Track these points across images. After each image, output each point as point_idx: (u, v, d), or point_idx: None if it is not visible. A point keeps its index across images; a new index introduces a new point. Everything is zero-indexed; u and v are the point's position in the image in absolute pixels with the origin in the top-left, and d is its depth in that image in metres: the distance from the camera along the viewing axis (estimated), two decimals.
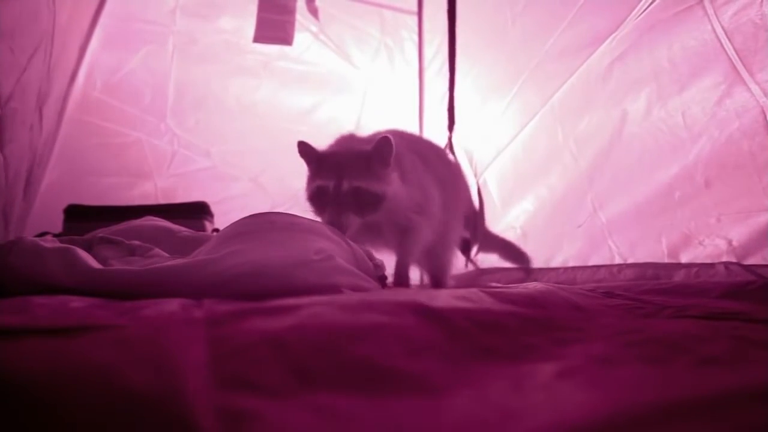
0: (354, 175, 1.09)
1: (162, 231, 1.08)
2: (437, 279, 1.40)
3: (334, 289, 0.77)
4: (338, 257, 0.82)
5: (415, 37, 2.37)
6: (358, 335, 0.41)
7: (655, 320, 0.64)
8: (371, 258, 0.90)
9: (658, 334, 0.49)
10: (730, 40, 1.09)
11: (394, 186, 1.13)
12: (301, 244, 0.81)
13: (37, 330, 0.41)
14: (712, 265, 1.15)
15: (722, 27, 1.10)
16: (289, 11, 2.05)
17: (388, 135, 1.11)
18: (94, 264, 0.79)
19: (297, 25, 2.10)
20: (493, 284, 1.30)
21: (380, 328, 0.43)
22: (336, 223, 1.04)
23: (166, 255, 0.92)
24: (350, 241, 0.91)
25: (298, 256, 0.77)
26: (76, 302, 0.63)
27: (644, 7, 1.30)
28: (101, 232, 1.00)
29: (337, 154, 1.17)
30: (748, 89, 1.06)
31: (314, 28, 2.22)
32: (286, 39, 2.06)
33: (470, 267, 1.97)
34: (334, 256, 0.81)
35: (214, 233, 1.40)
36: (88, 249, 0.91)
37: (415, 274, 2.11)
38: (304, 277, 0.76)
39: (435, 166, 1.34)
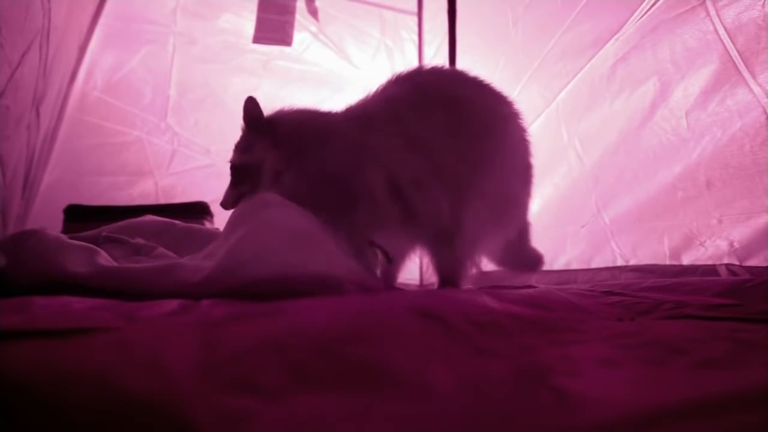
0: (233, 150, 1.09)
1: (162, 225, 1.10)
2: (445, 277, 1.08)
3: (336, 281, 0.77)
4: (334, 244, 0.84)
5: (415, 38, 2.37)
6: (356, 336, 0.41)
7: (654, 321, 0.64)
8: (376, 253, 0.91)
9: (657, 336, 0.49)
10: (732, 41, 1.09)
11: (253, 155, 1.05)
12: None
13: (36, 331, 0.41)
14: (713, 268, 1.15)
15: (725, 28, 1.10)
16: (289, 12, 2.05)
17: (250, 96, 1.07)
18: (112, 262, 0.82)
19: (297, 25, 2.10)
20: (494, 285, 1.29)
21: (379, 329, 0.43)
22: (224, 202, 1.05)
23: (171, 254, 0.94)
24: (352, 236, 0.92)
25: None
26: (77, 303, 0.63)
27: (646, 9, 1.30)
28: (105, 231, 1.01)
29: None
30: (751, 90, 1.06)
31: (314, 28, 2.22)
32: (285, 40, 2.07)
33: (473, 270, 1.97)
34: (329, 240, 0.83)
35: (216, 230, 1.40)
36: None
37: (414, 273, 2.13)
38: (304, 263, 0.77)
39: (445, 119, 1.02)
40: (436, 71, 1.16)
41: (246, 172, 1.05)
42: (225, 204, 1.06)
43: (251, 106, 1.07)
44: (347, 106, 1.11)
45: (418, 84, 1.09)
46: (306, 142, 1.03)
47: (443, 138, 1.01)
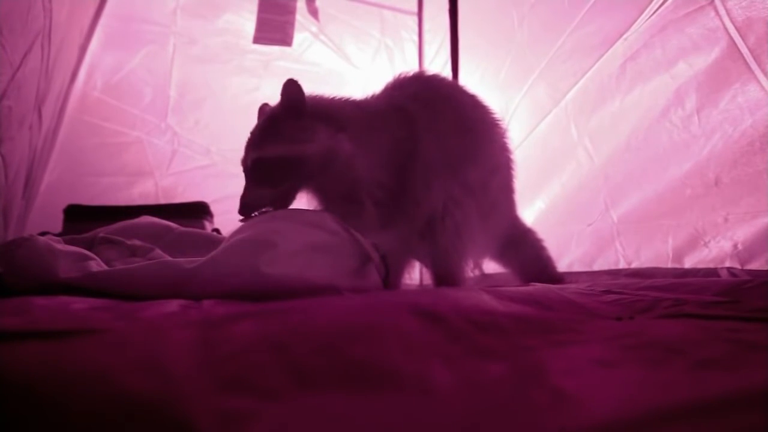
0: (257, 144, 0.95)
1: (160, 228, 1.09)
2: (438, 273, 1.08)
3: (333, 289, 0.77)
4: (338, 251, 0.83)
5: (415, 38, 2.37)
6: (356, 336, 0.41)
7: (652, 319, 0.64)
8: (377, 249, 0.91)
9: (656, 336, 0.49)
10: (743, 38, 1.09)
11: (319, 142, 0.95)
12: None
13: (36, 332, 0.41)
14: (714, 272, 1.14)
15: (735, 26, 1.11)
16: (289, 12, 2.05)
17: (292, 78, 0.95)
18: (104, 267, 0.81)
19: (297, 26, 2.10)
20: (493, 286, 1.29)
21: (378, 328, 0.43)
22: (244, 205, 0.93)
23: (167, 256, 0.93)
24: (355, 232, 0.90)
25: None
26: (77, 304, 0.63)
27: (655, 8, 1.30)
28: (102, 232, 1.01)
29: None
30: (762, 87, 1.06)
31: (314, 29, 2.22)
32: (285, 40, 2.07)
33: (475, 271, 1.96)
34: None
35: (214, 233, 1.40)
36: (89, 248, 0.92)
37: (414, 274, 2.13)
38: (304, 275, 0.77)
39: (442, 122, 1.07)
40: (434, 76, 1.23)
41: (288, 166, 0.94)
42: (251, 206, 0.93)
43: (295, 89, 0.95)
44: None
45: (420, 83, 1.14)
46: (367, 124, 1.00)
47: (434, 132, 1.05)
